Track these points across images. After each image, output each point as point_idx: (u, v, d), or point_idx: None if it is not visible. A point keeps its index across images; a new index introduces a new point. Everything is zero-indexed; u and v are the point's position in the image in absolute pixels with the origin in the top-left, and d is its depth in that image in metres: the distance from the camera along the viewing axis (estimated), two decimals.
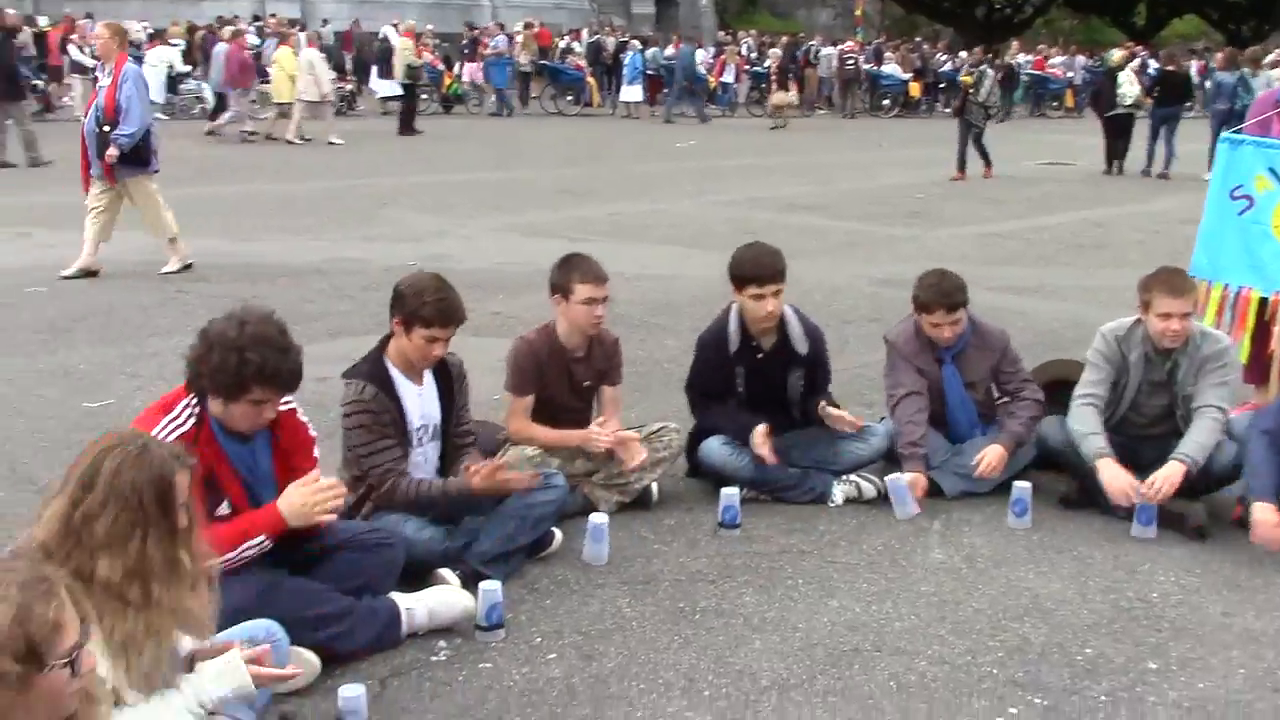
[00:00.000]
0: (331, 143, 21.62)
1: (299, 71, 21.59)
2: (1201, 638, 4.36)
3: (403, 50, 23.98)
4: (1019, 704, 3.86)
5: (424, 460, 4.69)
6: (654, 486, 5.35)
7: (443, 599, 4.18)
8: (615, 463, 5.22)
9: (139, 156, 9.79)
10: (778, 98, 29.95)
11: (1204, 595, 4.70)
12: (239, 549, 3.73)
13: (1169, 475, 5.12)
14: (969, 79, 19.48)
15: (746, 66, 34.43)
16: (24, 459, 5.76)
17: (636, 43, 33.16)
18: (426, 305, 4.48)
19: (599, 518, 4.79)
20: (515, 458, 5.09)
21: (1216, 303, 6.75)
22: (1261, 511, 4.90)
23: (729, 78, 32.52)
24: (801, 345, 5.55)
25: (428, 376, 4.70)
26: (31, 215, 13.14)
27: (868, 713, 3.77)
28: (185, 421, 3.78)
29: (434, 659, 4.01)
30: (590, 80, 32.47)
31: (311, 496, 3.80)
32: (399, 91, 24.67)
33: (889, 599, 4.57)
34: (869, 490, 5.50)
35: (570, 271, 5.22)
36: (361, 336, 6.77)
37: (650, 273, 10.85)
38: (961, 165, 19.00)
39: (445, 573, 4.34)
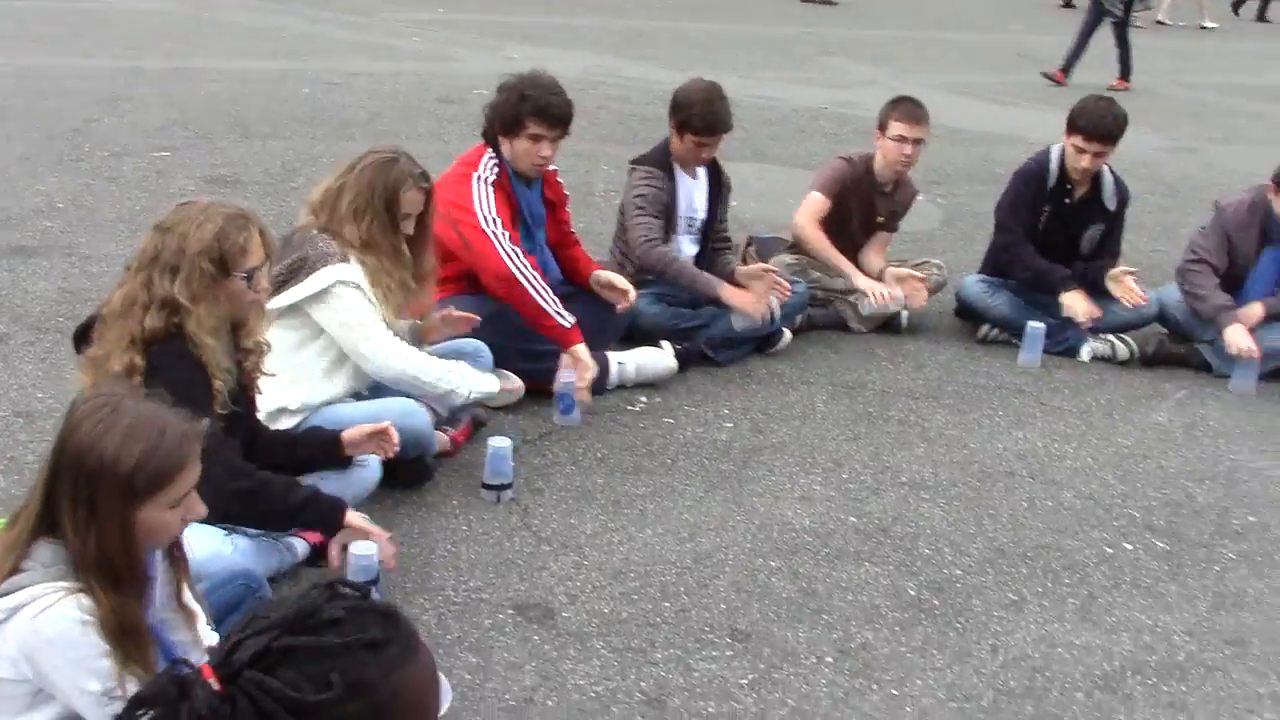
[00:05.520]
0: (1203, 26, 21.66)
1: None
2: None
3: None
4: (1137, 543, 4.00)
5: (680, 250, 5.28)
6: (904, 315, 5.67)
7: (651, 356, 4.85)
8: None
9: None
10: None
11: None
12: (553, 300, 4.44)
13: None
14: None
15: None
16: None
17: None
18: (695, 117, 5.03)
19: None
20: (777, 264, 5.60)
21: None
22: None
23: None
24: (1110, 201, 5.60)
25: (701, 174, 5.26)
26: None
27: (980, 520, 4.06)
28: (492, 172, 4.59)
29: (629, 408, 4.69)
30: None
31: (585, 376, 4.43)
32: None
33: (1076, 441, 4.73)
34: (1123, 351, 5.55)
35: (892, 109, 5.56)
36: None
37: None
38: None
39: (664, 342, 4.96)
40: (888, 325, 5.67)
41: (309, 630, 1.35)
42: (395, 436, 3.48)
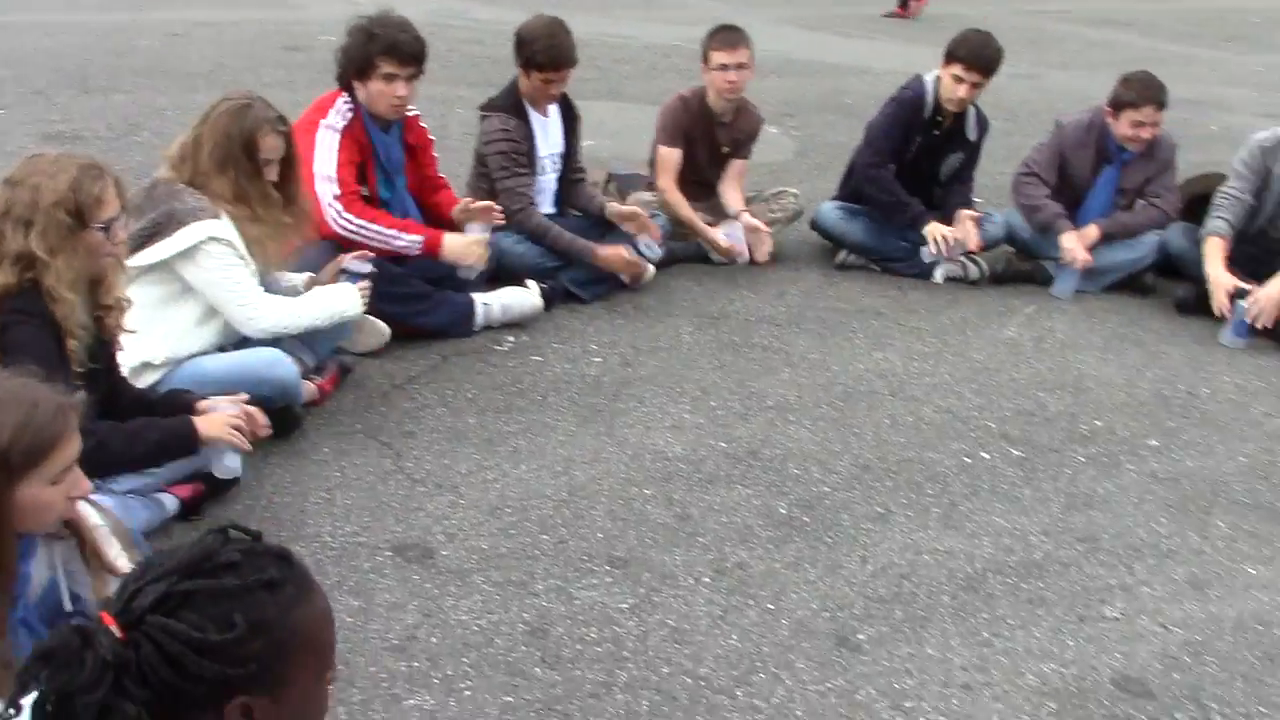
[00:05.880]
0: None
1: None
2: (1223, 427, 4.48)
3: None
4: (994, 451, 4.17)
5: (545, 189, 5.28)
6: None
7: (517, 296, 4.86)
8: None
9: None
10: None
11: (1257, 398, 4.77)
12: (393, 233, 4.52)
13: (1271, 295, 5.11)
14: None
15: None
16: None
17: None
18: (539, 52, 5.01)
19: None
20: (637, 200, 5.63)
21: None
22: None
23: None
24: (972, 132, 5.74)
25: (553, 110, 5.25)
26: None
27: (845, 439, 4.18)
28: (344, 118, 4.51)
29: (497, 348, 4.69)
30: None
31: (473, 249, 4.64)
32: None
33: (934, 359, 4.89)
34: (974, 271, 5.73)
35: (710, 40, 5.60)
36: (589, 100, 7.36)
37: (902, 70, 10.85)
38: None
39: (529, 281, 4.97)
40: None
41: (207, 574, 1.38)
42: (262, 420, 3.38)
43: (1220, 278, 5.26)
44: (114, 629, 1.33)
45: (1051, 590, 3.40)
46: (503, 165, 5.06)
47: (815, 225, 5.88)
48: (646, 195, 5.68)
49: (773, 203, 5.79)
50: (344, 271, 4.11)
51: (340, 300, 3.98)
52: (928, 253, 5.55)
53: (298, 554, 1.49)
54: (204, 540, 1.41)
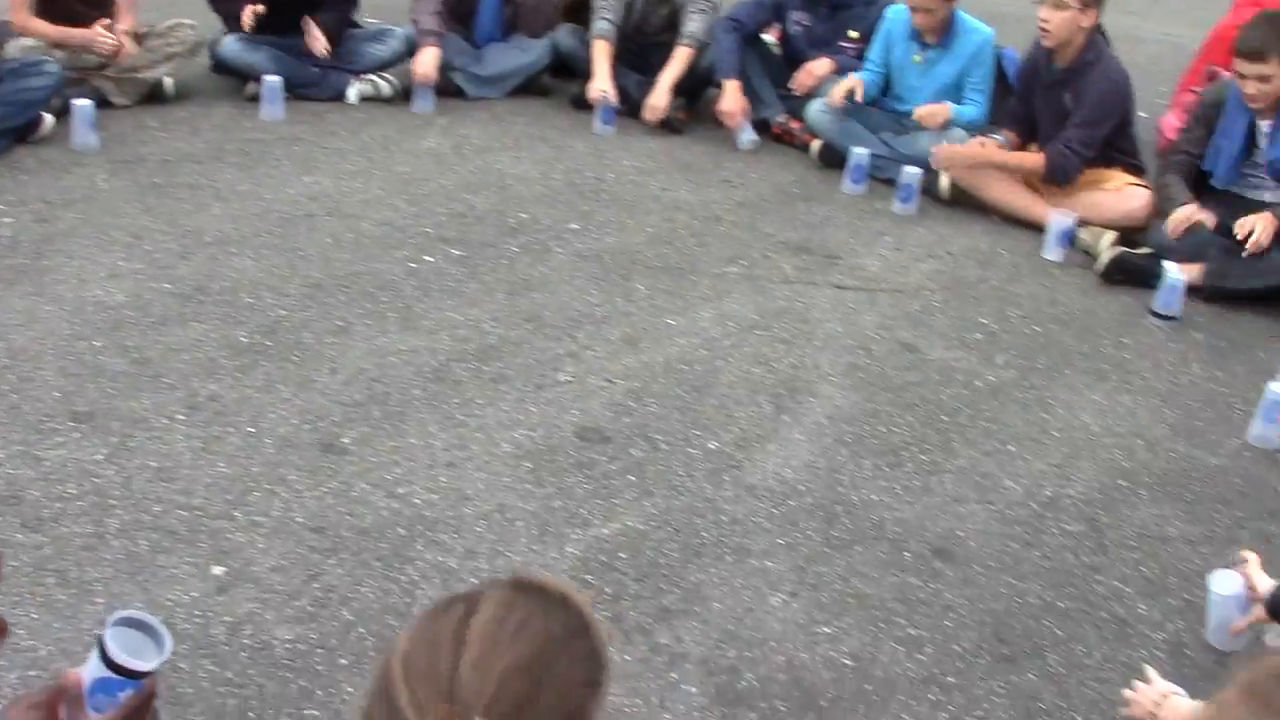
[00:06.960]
0: None
1: None
2: (630, 205, 4.98)
3: None
4: (436, 253, 4.39)
5: None
6: (168, 81, 5.52)
7: None
8: (123, 58, 5.35)
9: None
10: None
11: (653, 176, 5.32)
12: None
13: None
14: None
15: None
16: None
17: None
18: None
19: (82, 103, 4.92)
20: (15, 49, 5.17)
21: None
22: (729, 88, 5.59)
23: None
24: None
25: None
26: None
27: (292, 263, 4.22)
28: None
29: None
30: None
31: None
32: None
33: (363, 177, 4.99)
34: (386, 89, 5.85)
35: None
36: None
37: None
38: None
39: None
40: (154, 96, 5.50)
41: None
42: None
43: (600, 81, 5.75)
44: None
45: (510, 368, 3.70)
46: None
47: (218, 62, 5.69)
48: (28, 41, 5.22)
49: (169, 36, 5.51)
50: None
51: None
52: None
53: None
54: None
